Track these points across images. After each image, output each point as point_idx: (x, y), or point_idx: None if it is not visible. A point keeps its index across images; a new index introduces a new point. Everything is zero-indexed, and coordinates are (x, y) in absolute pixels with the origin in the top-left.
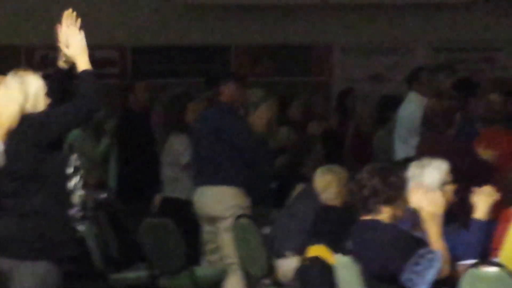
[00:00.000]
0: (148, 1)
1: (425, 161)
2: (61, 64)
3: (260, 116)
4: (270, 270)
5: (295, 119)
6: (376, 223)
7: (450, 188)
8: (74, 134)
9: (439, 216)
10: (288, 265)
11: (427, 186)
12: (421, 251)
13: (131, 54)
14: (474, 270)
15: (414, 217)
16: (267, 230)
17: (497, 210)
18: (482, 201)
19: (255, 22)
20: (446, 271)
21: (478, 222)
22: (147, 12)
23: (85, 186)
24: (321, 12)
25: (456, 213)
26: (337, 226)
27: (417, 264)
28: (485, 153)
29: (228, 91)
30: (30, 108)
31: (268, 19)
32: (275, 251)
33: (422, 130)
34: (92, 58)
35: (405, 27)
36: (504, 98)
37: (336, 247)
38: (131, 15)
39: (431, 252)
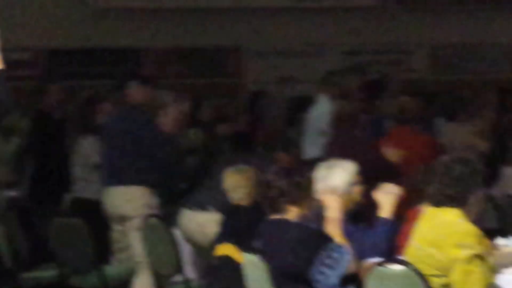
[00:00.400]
0: (61, 4)
1: (333, 162)
2: None
3: (169, 117)
4: (179, 269)
5: (205, 121)
6: (284, 222)
7: (358, 189)
8: None
9: (338, 219)
10: (208, 218)
11: (334, 187)
12: (331, 245)
13: (46, 57)
14: (380, 268)
15: (320, 213)
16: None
17: (403, 209)
18: (386, 199)
19: (165, 25)
20: (352, 267)
21: (383, 220)
22: (61, 15)
23: None
24: (232, 15)
25: (363, 213)
26: (245, 225)
27: (328, 257)
28: (393, 153)
29: (134, 92)
30: None
31: (178, 21)
32: (196, 204)
33: (331, 131)
34: (6, 60)
35: (315, 30)
36: (415, 99)
37: (245, 246)
38: (45, 17)
39: (340, 246)
